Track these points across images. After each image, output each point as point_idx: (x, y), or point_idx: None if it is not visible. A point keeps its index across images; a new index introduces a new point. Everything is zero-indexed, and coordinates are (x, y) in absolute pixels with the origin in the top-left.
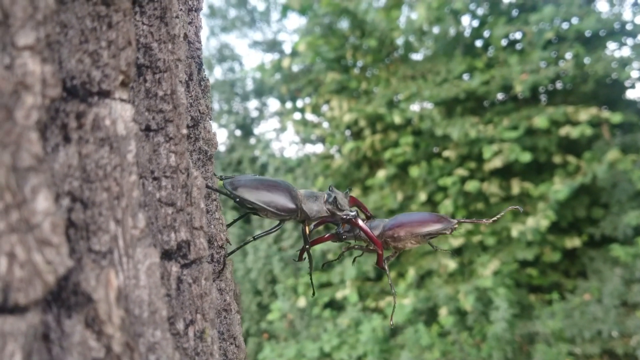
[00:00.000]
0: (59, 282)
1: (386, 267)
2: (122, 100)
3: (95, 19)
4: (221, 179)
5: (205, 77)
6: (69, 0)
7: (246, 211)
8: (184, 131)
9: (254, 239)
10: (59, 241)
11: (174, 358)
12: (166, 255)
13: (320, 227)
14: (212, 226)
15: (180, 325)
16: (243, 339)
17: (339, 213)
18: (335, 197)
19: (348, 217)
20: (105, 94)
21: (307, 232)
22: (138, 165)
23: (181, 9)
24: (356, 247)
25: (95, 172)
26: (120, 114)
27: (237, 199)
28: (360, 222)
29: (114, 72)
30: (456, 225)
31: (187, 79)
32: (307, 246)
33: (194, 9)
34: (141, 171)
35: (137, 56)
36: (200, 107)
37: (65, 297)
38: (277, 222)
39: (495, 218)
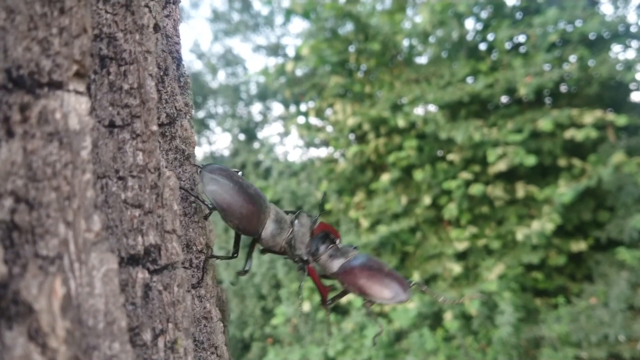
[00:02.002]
0: None
1: (328, 309)
2: (77, 92)
3: (46, 4)
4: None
5: (184, 73)
6: None
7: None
8: (154, 128)
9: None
10: None
11: None
12: (132, 260)
13: None
14: (191, 230)
15: (147, 336)
16: (227, 349)
17: (292, 254)
18: (292, 238)
19: (299, 262)
20: (56, 85)
21: (253, 249)
22: (98, 163)
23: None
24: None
25: (42, 170)
26: (73, 106)
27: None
28: (312, 271)
29: (66, 61)
30: (405, 300)
31: (161, 74)
32: (242, 273)
33: (171, 1)
34: (104, 170)
35: (100, 47)
36: (177, 103)
37: (4, 306)
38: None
39: (457, 301)
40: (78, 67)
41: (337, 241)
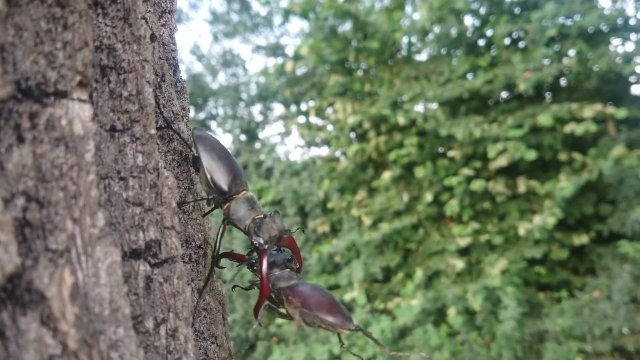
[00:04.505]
0: (11, 280)
1: (258, 317)
2: (80, 100)
3: (51, 21)
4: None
5: (181, 78)
6: (23, 2)
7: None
8: (152, 131)
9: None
10: (6, 239)
11: (137, 355)
12: (134, 254)
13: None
14: (189, 226)
15: (149, 324)
16: (227, 339)
17: (253, 236)
18: (260, 222)
19: (256, 245)
20: (62, 95)
21: (222, 233)
22: (101, 165)
23: (150, 11)
24: (254, 281)
25: (50, 172)
26: (77, 113)
27: (193, 148)
28: (264, 258)
29: (70, 72)
30: (351, 329)
31: (159, 80)
32: (216, 246)
33: (167, 11)
34: (106, 171)
35: (101, 57)
36: (174, 107)
37: (19, 295)
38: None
39: (405, 354)
40: (81, 77)
41: (296, 265)
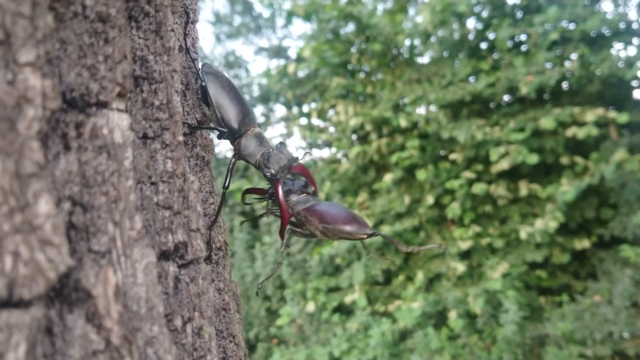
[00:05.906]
0: (60, 280)
1: (284, 240)
2: (119, 110)
3: (93, 35)
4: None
5: (203, 86)
6: (67, 18)
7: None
8: (180, 138)
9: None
10: (59, 241)
11: (171, 351)
12: (164, 255)
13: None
14: (210, 229)
15: (178, 322)
16: (243, 338)
17: (264, 169)
18: (269, 155)
19: (268, 176)
20: (103, 105)
21: (232, 167)
22: (135, 170)
23: (176, 22)
24: (273, 211)
25: (94, 178)
26: (117, 123)
27: (202, 84)
28: (278, 187)
29: (110, 84)
30: (369, 234)
31: (183, 89)
32: (226, 180)
33: (190, 21)
34: (139, 177)
35: (134, 68)
36: (197, 114)
37: (67, 293)
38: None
39: (421, 248)
40: (120, 88)
41: (312, 189)
